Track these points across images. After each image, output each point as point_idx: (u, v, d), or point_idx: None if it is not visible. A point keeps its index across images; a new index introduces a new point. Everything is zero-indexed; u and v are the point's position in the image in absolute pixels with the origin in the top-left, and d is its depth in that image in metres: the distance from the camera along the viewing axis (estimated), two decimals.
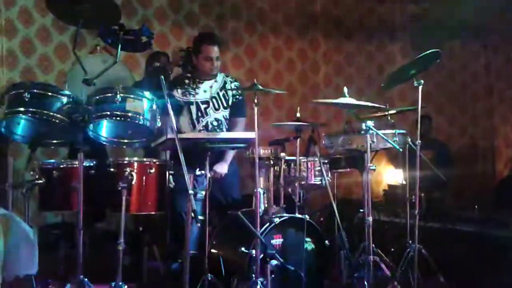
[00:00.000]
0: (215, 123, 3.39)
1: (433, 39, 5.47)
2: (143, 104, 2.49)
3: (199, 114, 3.37)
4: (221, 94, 3.41)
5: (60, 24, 4.22)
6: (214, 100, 3.39)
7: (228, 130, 3.41)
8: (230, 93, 3.43)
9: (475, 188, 5.65)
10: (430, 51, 2.94)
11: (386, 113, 3.37)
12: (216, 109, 3.40)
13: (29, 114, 2.39)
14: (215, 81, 3.41)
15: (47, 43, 4.31)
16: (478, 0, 5.08)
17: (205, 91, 3.39)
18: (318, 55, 5.56)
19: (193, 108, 3.37)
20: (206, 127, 3.38)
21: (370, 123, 2.84)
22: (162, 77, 2.60)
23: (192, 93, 3.37)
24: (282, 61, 5.38)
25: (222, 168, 3.30)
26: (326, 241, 3.05)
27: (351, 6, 5.66)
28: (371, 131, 2.87)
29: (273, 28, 5.31)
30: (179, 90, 3.37)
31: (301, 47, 5.46)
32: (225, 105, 3.43)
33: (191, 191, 2.31)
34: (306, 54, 5.50)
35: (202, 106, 3.38)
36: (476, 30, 5.76)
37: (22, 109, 2.36)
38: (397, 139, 3.05)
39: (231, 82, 3.47)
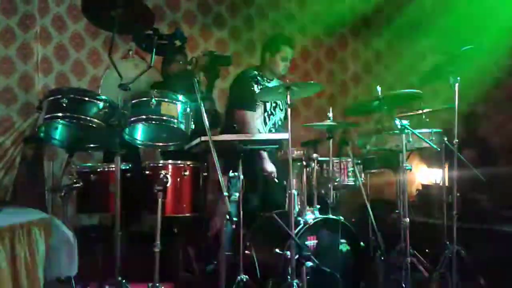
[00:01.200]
0: (279, 123, 3.47)
1: (462, 35, 5.36)
2: (177, 108, 2.51)
3: (270, 113, 3.45)
4: None
5: (92, 30, 4.30)
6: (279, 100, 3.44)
7: (279, 131, 3.47)
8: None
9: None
10: (466, 47, 2.87)
11: (421, 111, 3.30)
12: (281, 109, 3.44)
13: (67, 119, 2.43)
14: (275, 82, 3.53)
15: (79, 49, 4.38)
16: None
17: None
18: (346, 53, 5.50)
19: (268, 106, 3.45)
20: (274, 125, 3.45)
21: (405, 122, 2.79)
22: (195, 79, 2.63)
23: None
24: (310, 61, 5.34)
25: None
26: (362, 243, 3.02)
27: (380, 3, 5.57)
28: (406, 131, 2.82)
29: (300, 27, 5.27)
30: (258, 87, 3.43)
31: (329, 46, 5.42)
32: (285, 107, 3.55)
33: (225, 193, 2.34)
34: (334, 53, 5.44)
35: (273, 105, 3.46)
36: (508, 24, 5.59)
37: (60, 114, 2.40)
38: (434, 138, 2.99)
39: None
